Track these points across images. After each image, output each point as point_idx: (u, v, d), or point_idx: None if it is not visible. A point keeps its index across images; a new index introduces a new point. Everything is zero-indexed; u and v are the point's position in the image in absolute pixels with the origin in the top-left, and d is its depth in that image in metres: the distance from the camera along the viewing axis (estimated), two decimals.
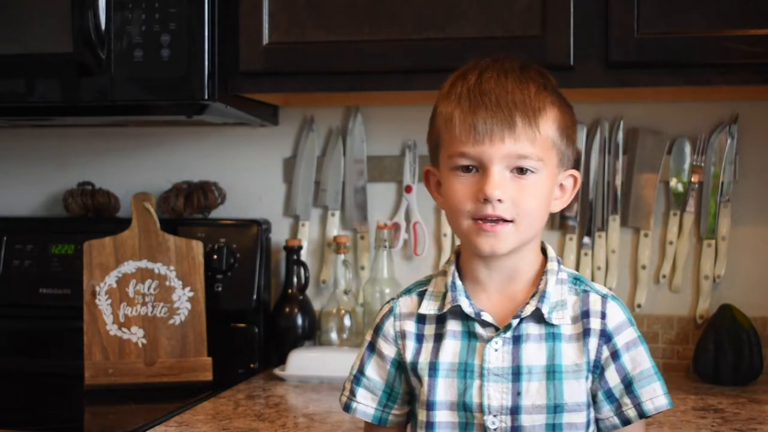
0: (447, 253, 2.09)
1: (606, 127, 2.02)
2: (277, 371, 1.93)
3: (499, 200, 1.10)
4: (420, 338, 1.18)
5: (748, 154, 2.00)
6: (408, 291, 1.23)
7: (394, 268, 2.08)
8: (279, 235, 2.16)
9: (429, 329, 1.19)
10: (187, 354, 1.92)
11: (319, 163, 2.15)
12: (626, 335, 1.16)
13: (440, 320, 1.18)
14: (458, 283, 1.18)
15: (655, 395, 1.15)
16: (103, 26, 1.77)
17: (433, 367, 1.16)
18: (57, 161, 2.27)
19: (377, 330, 1.22)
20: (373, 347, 1.22)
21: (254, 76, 1.82)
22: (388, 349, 1.20)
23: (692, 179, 2.00)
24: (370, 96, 2.01)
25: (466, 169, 1.13)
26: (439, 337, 1.17)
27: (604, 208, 2.02)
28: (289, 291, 2.07)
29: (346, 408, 1.23)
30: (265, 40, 1.79)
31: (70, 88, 1.81)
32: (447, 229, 2.09)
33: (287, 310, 2.06)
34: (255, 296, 2.03)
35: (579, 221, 2.03)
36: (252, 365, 2.02)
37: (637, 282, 2.02)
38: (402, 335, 1.20)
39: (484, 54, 1.69)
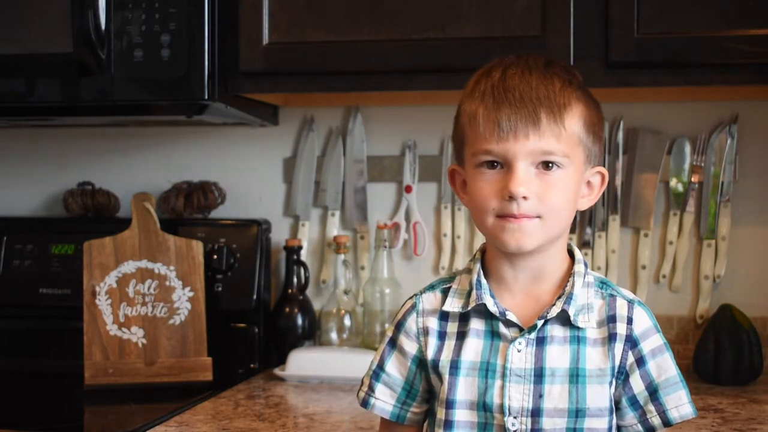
0: (447, 253, 2.09)
1: (606, 127, 2.02)
2: (277, 371, 1.93)
3: (524, 197, 1.09)
4: (442, 335, 1.17)
5: (748, 154, 2.00)
6: (431, 287, 1.21)
7: (394, 268, 2.08)
8: (279, 235, 2.16)
9: (452, 327, 1.17)
10: (187, 354, 1.92)
11: (319, 163, 2.15)
12: (652, 341, 1.14)
13: (463, 318, 1.16)
14: (483, 281, 1.16)
15: (680, 403, 1.14)
16: (103, 26, 1.77)
17: (454, 365, 1.14)
18: (57, 161, 2.27)
19: (399, 326, 1.20)
20: (394, 343, 1.21)
21: (254, 76, 1.82)
22: (410, 346, 1.19)
23: (692, 179, 2.00)
24: (370, 96, 2.01)
25: (491, 165, 1.11)
26: (461, 335, 1.16)
27: (604, 208, 2.02)
28: (289, 291, 2.07)
29: (364, 404, 1.22)
30: (265, 40, 1.79)
31: (70, 88, 1.81)
32: (447, 229, 2.09)
33: (287, 310, 2.06)
34: (255, 296, 2.03)
35: (579, 221, 2.03)
36: (252, 365, 2.02)
37: (637, 282, 2.02)
38: (425, 332, 1.18)
39: (484, 54, 1.70)
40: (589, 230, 2.03)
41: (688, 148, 2.00)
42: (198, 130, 2.20)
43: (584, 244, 2.03)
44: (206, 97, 1.77)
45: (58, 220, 2.20)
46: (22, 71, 1.83)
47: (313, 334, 2.08)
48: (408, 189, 2.10)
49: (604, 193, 2.00)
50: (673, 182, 2.01)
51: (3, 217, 2.23)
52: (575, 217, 2.01)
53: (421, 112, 2.11)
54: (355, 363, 1.87)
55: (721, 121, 1.99)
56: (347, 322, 2.06)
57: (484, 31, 1.72)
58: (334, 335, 2.06)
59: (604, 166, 1.96)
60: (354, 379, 1.87)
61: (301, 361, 1.92)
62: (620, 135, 2.01)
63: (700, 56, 1.65)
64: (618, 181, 2.02)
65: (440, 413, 1.15)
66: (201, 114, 1.86)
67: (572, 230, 2.03)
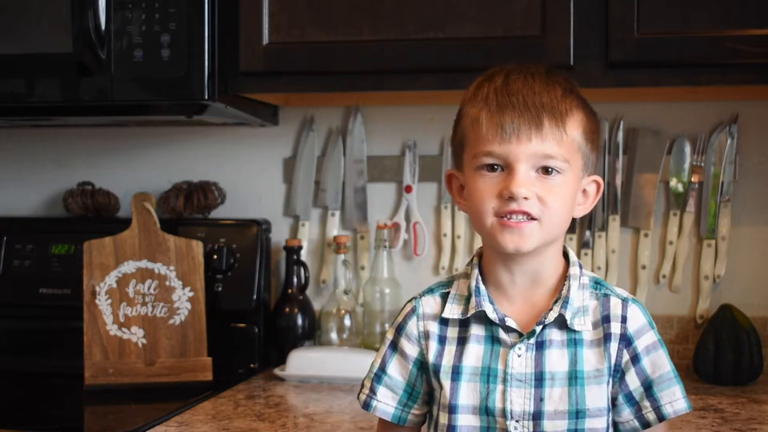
0: (447, 253, 2.09)
1: (606, 127, 2.02)
2: (277, 371, 1.93)
3: (525, 198, 1.10)
4: (443, 340, 1.18)
5: (748, 154, 2.00)
6: (430, 291, 1.23)
7: (394, 268, 2.08)
8: (279, 235, 2.16)
9: (452, 332, 1.18)
10: (187, 354, 1.92)
11: (319, 163, 2.15)
12: (646, 339, 1.16)
13: (463, 324, 1.18)
14: (482, 287, 1.18)
15: (674, 398, 1.16)
16: (103, 26, 1.77)
17: (456, 371, 1.16)
18: (57, 161, 2.27)
19: (399, 329, 1.22)
20: (395, 346, 1.22)
21: (254, 76, 1.82)
22: (411, 349, 1.20)
23: (692, 179, 2.00)
24: (370, 96, 2.01)
25: (491, 168, 1.13)
26: (462, 341, 1.17)
27: (604, 208, 2.02)
28: (289, 291, 2.07)
29: (366, 406, 1.23)
30: (265, 40, 1.79)
31: (70, 88, 1.81)
32: (447, 229, 2.09)
33: (287, 310, 2.06)
34: (255, 296, 2.03)
35: (579, 221, 2.03)
36: (252, 365, 2.02)
37: (637, 282, 2.02)
38: (426, 335, 1.19)
39: (484, 54, 1.71)
40: (588, 230, 2.03)
41: (688, 148, 2.00)
42: (198, 130, 2.20)
43: (584, 245, 2.03)
44: (206, 97, 1.77)
45: (58, 220, 2.20)
46: (22, 71, 1.83)
47: (313, 334, 2.08)
48: (408, 189, 2.10)
49: (604, 193, 2.01)
50: (673, 182, 2.01)
51: (3, 217, 2.23)
52: (574, 219, 2.02)
53: (421, 112, 2.11)
54: (355, 363, 1.87)
55: (721, 121, 1.99)
56: (347, 322, 2.06)
57: (484, 31, 1.72)
58: (334, 335, 2.06)
59: (601, 173, 1.99)
60: (354, 379, 1.87)
61: (301, 361, 1.92)
62: (620, 135, 2.01)
63: (700, 56, 1.65)
64: (618, 181, 2.02)
65: (443, 418, 1.16)
66: (201, 114, 1.86)
67: (572, 230, 2.03)
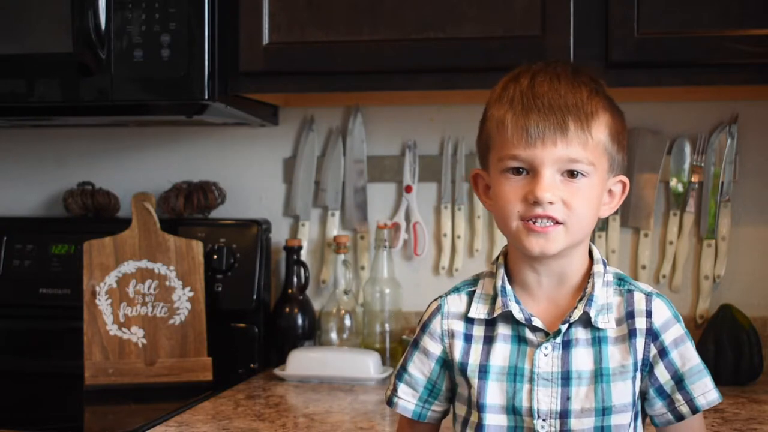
0: (447, 253, 2.09)
1: None
2: (277, 371, 1.93)
3: (550, 203, 1.11)
4: (469, 338, 1.19)
5: (748, 154, 2.00)
6: (456, 290, 1.23)
7: (394, 268, 2.08)
8: (279, 235, 2.16)
9: (478, 330, 1.19)
10: (187, 354, 1.92)
11: (319, 163, 2.15)
12: (673, 332, 1.16)
13: (489, 323, 1.18)
14: (508, 287, 1.18)
15: (706, 390, 1.17)
16: (103, 26, 1.77)
17: (483, 370, 1.16)
18: (57, 161, 2.27)
19: (424, 327, 1.22)
20: (417, 344, 1.23)
21: (254, 76, 1.82)
22: (434, 347, 1.21)
23: (692, 179, 2.00)
24: (370, 96, 2.01)
25: (517, 171, 1.13)
26: (489, 340, 1.18)
27: None
28: (289, 291, 2.07)
29: (389, 403, 1.25)
30: (265, 40, 1.79)
31: (70, 88, 1.81)
32: (447, 229, 2.09)
33: (287, 310, 2.06)
34: (255, 296, 2.03)
35: None
36: (252, 365, 2.02)
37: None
38: (450, 334, 1.20)
39: (484, 54, 1.71)
40: None
41: (688, 148, 2.00)
42: (198, 130, 2.20)
43: None
44: (206, 97, 1.77)
45: (58, 220, 2.20)
46: (22, 71, 1.83)
47: (313, 334, 2.08)
48: (408, 189, 2.10)
49: None
50: (673, 182, 2.01)
51: (3, 217, 2.23)
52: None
53: (421, 112, 2.11)
54: (355, 363, 1.87)
55: (721, 121, 1.99)
56: (347, 322, 2.06)
57: (484, 31, 1.72)
58: (334, 335, 2.06)
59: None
60: (354, 379, 1.88)
61: (301, 361, 1.92)
62: None
63: (700, 56, 1.65)
64: None
65: (474, 416, 1.17)
66: (201, 114, 1.86)
67: None
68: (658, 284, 2.02)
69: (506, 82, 1.17)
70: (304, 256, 2.11)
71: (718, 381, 1.83)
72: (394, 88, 1.81)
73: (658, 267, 2.03)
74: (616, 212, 2.01)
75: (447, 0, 1.73)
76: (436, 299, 1.24)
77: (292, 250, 2.08)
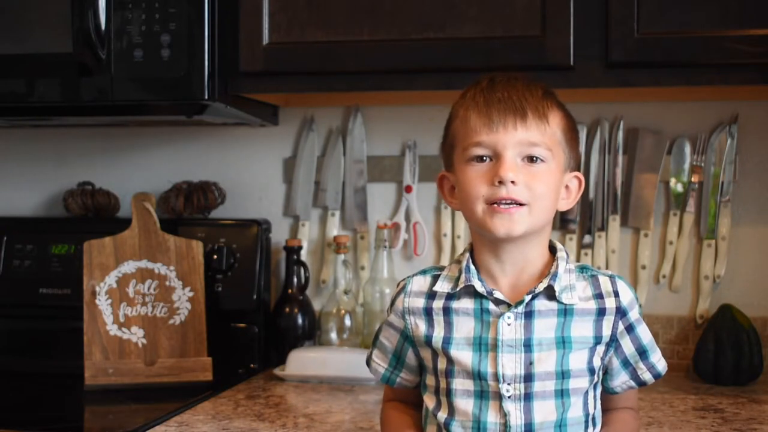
0: (447, 253, 2.09)
1: (606, 127, 2.02)
2: (277, 371, 1.93)
3: (513, 182, 1.18)
4: (429, 312, 1.26)
5: (748, 154, 2.00)
6: (423, 272, 1.31)
7: (394, 268, 2.08)
8: (279, 235, 2.16)
9: (438, 303, 1.26)
10: (187, 354, 1.92)
11: (319, 163, 2.15)
12: (636, 311, 1.26)
13: (450, 297, 1.25)
14: (472, 267, 1.25)
15: (659, 359, 1.29)
16: (103, 26, 1.77)
17: (447, 341, 1.24)
18: (57, 161, 2.27)
19: (391, 304, 1.32)
20: (387, 319, 1.32)
21: (254, 76, 1.82)
22: (398, 322, 1.29)
23: (692, 179, 2.00)
24: (370, 96, 2.01)
25: (481, 159, 1.21)
26: (449, 311, 1.25)
27: (604, 208, 2.02)
28: (289, 291, 2.08)
29: (367, 364, 1.36)
30: (265, 40, 1.79)
31: (70, 88, 1.81)
32: (447, 229, 2.09)
33: (287, 310, 2.06)
34: (255, 296, 2.03)
35: (579, 221, 2.03)
36: (252, 365, 2.02)
37: (637, 282, 2.02)
38: (410, 311, 1.28)
39: (484, 54, 1.71)
40: (589, 231, 2.03)
41: (688, 148, 2.00)
42: (198, 130, 2.20)
43: (584, 246, 2.03)
44: (206, 97, 1.77)
45: (58, 220, 2.20)
46: (22, 71, 1.83)
47: (313, 334, 2.08)
48: (408, 189, 2.10)
49: (604, 193, 2.01)
50: (673, 182, 2.01)
51: (3, 217, 2.23)
52: (575, 218, 2.02)
53: (421, 112, 2.11)
54: (355, 363, 1.87)
55: (721, 121, 1.99)
56: (347, 322, 2.06)
57: (484, 31, 1.72)
58: (334, 335, 2.06)
59: (601, 173, 2.00)
60: (354, 379, 1.87)
61: (301, 361, 1.92)
62: (620, 135, 2.01)
63: (700, 56, 1.65)
64: (618, 181, 2.02)
65: (442, 383, 1.24)
66: (201, 114, 1.86)
67: (572, 231, 2.03)
68: (658, 284, 2.02)
69: (467, 89, 1.28)
70: (304, 256, 2.11)
71: (719, 381, 1.86)
72: (394, 88, 1.81)
73: (658, 267, 2.03)
74: (615, 212, 2.01)
75: (447, 0, 1.73)
76: (403, 279, 1.32)
77: (292, 250, 2.08)
